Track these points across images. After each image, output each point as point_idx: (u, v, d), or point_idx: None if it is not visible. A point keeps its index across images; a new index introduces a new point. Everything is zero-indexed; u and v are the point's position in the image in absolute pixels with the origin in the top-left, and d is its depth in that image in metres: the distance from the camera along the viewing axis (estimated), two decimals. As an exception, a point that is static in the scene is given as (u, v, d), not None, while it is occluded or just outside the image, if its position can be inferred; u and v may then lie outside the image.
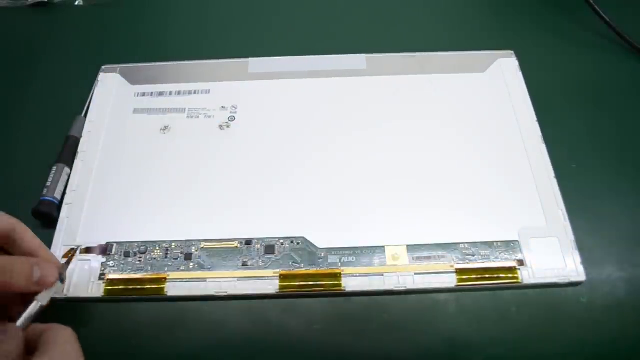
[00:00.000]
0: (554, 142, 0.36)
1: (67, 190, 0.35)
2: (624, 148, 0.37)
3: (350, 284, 0.31)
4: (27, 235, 0.28)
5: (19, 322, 0.26)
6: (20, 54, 0.44)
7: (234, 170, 0.36)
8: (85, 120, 0.38)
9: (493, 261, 0.31)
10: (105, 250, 0.32)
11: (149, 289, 0.31)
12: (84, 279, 0.31)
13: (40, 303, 0.27)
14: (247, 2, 0.47)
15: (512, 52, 0.41)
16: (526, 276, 0.31)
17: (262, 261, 0.32)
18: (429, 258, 0.32)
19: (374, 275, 0.31)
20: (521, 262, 0.31)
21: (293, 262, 0.32)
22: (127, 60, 0.41)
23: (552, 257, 0.31)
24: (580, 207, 0.33)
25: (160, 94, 0.40)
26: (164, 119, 0.38)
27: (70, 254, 0.32)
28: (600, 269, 0.32)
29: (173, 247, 0.33)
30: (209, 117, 0.38)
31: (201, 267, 0.32)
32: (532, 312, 0.31)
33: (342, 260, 0.32)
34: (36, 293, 0.27)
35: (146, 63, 0.41)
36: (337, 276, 0.31)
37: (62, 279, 0.29)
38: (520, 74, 0.39)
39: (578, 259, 0.31)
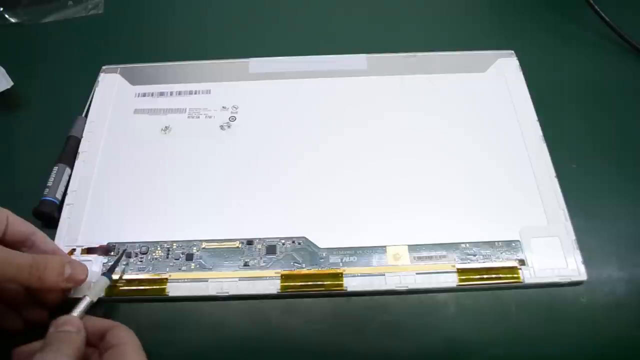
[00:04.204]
0: (554, 142, 0.36)
1: (68, 191, 0.35)
2: (624, 148, 0.37)
3: (351, 284, 0.31)
4: (45, 240, 0.30)
5: (74, 314, 0.27)
6: (20, 53, 0.44)
7: (235, 170, 0.36)
8: (86, 120, 0.38)
9: (494, 261, 0.31)
10: (107, 250, 0.32)
11: (150, 289, 0.31)
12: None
13: (90, 299, 0.28)
14: (248, 2, 0.47)
15: (512, 52, 0.41)
16: (527, 276, 0.31)
17: (264, 261, 0.32)
18: (430, 258, 0.32)
19: (375, 275, 0.31)
20: (522, 262, 0.31)
21: (294, 262, 0.32)
22: (128, 61, 0.41)
23: (553, 256, 0.31)
24: (581, 206, 0.33)
25: (161, 94, 0.40)
26: (164, 119, 0.38)
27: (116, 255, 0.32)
28: (601, 268, 0.32)
29: (174, 247, 0.33)
30: (210, 117, 0.38)
31: (202, 268, 0.32)
32: (533, 312, 0.31)
33: (343, 260, 0.32)
34: (64, 290, 0.29)
35: (147, 63, 0.41)
36: (338, 276, 0.31)
37: (110, 277, 0.30)
38: (520, 74, 0.39)
39: (579, 258, 0.31)
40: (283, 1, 0.47)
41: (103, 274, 0.31)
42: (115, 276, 0.31)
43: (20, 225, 0.29)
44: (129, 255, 0.32)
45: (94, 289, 0.29)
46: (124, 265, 0.32)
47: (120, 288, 0.31)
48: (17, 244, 0.29)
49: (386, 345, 0.30)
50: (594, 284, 0.31)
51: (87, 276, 0.30)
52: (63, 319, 0.26)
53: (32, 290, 0.29)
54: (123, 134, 0.38)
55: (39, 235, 0.30)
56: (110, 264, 0.31)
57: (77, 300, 0.28)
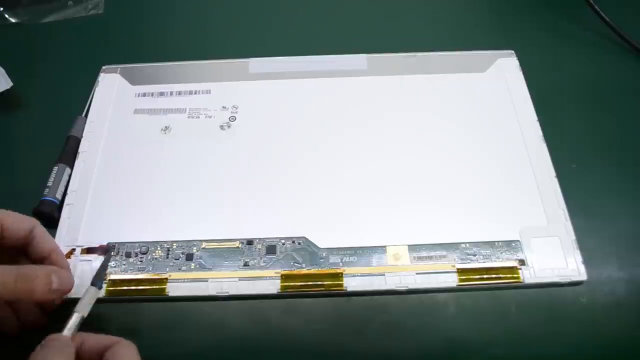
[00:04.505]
0: (554, 142, 0.36)
1: (68, 191, 0.35)
2: (624, 148, 0.37)
3: (351, 284, 0.31)
4: (44, 237, 0.29)
5: (63, 333, 0.26)
6: (20, 53, 0.44)
7: (235, 170, 0.36)
8: (86, 120, 0.38)
9: (494, 261, 0.31)
10: (107, 250, 0.32)
11: (150, 289, 0.31)
12: (86, 280, 0.31)
13: (81, 314, 0.27)
14: (248, 2, 0.47)
15: (512, 52, 0.41)
16: (527, 276, 0.31)
17: (264, 261, 0.32)
18: (430, 258, 0.32)
19: (375, 275, 0.31)
20: (522, 262, 0.31)
21: (294, 262, 0.32)
22: (128, 61, 0.41)
23: (553, 256, 0.31)
24: (581, 206, 0.33)
25: (161, 94, 0.40)
26: (164, 119, 0.38)
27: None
28: (601, 268, 0.32)
29: (174, 247, 0.33)
30: (210, 117, 0.38)
31: (202, 268, 0.32)
32: (533, 312, 0.31)
33: (343, 260, 0.32)
34: (52, 300, 0.28)
35: (147, 63, 0.41)
36: (338, 276, 0.31)
37: (100, 286, 0.29)
38: (520, 74, 0.39)
39: (579, 258, 0.31)
40: (283, 1, 0.47)
41: (92, 283, 0.29)
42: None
43: (18, 225, 0.28)
44: (129, 255, 0.32)
45: (83, 301, 0.28)
46: (124, 265, 0.32)
47: (120, 288, 0.31)
48: (17, 244, 0.28)
49: (386, 345, 0.30)
50: (594, 284, 0.31)
51: (72, 286, 0.29)
52: (50, 337, 0.25)
53: (19, 302, 0.29)
54: (123, 134, 0.38)
55: (38, 231, 0.29)
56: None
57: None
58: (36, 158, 0.37)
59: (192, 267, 0.32)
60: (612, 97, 0.40)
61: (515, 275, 0.31)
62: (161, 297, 0.31)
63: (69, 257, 0.32)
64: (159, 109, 0.39)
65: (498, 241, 0.32)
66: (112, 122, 0.38)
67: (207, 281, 0.31)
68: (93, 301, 0.28)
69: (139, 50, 0.43)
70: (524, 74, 0.39)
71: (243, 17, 0.46)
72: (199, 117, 0.38)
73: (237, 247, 0.32)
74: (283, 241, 0.33)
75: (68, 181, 0.35)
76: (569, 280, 0.31)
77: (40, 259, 0.29)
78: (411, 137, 0.37)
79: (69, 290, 0.29)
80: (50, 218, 0.34)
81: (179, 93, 0.40)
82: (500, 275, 0.31)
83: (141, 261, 0.32)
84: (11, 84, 0.40)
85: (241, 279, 0.31)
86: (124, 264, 0.32)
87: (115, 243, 0.33)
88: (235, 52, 0.42)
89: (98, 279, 0.29)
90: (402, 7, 0.46)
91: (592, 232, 0.33)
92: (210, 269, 0.32)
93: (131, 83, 0.40)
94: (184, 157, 0.36)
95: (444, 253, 0.32)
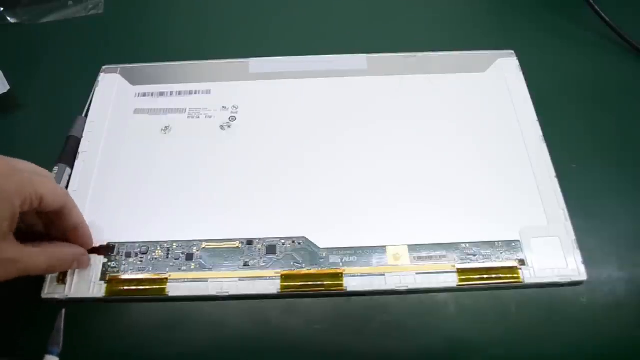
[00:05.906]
0: (554, 142, 0.36)
1: (68, 191, 0.35)
2: (624, 148, 0.37)
3: (351, 284, 0.31)
4: (73, 212, 0.30)
5: None
6: (20, 54, 0.44)
7: (235, 170, 0.36)
8: (86, 120, 0.38)
9: (494, 261, 0.31)
10: (107, 250, 0.32)
11: (150, 289, 0.31)
12: (86, 279, 0.31)
13: None
14: (248, 2, 0.47)
15: (512, 51, 0.41)
16: (527, 276, 0.31)
17: (264, 261, 0.32)
18: (430, 258, 0.32)
19: (375, 275, 0.31)
20: (522, 262, 0.31)
21: (294, 262, 0.32)
22: (128, 61, 0.41)
23: (553, 256, 0.31)
24: (581, 206, 0.33)
25: (161, 94, 0.40)
26: (164, 119, 0.38)
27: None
28: (601, 268, 0.32)
29: (174, 247, 0.32)
30: (210, 117, 0.38)
31: (202, 268, 0.32)
32: (533, 312, 0.31)
33: (343, 260, 0.32)
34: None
35: (147, 63, 0.41)
36: (338, 276, 0.31)
37: (57, 353, 0.28)
38: (520, 74, 0.39)
39: (579, 258, 0.31)
40: (283, 1, 0.47)
41: (48, 352, 0.28)
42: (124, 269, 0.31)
43: (53, 199, 0.28)
44: (129, 255, 0.32)
45: None
46: (124, 265, 0.32)
47: (120, 288, 0.31)
48: (50, 213, 0.29)
49: (386, 345, 0.30)
50: (594, 284, 0.31)
51: (88, 265, 0.32)
52: None
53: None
54: (123, 134, 0.38)
55: (69, 207, 0.29)
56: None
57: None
58: (36, 158, 0.37)
59: (192, 267, 0.32)
60: (612, 97, 0.40)
61: (515, 275, 0.31)
62: (161, 297, 0.31)
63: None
64: (159, 109, 0.39)
65: (498, 241, 0.32)
66: (112, 122, 0.38)
67: (207, 281, 0.31)
68: None
69: (139, 50, 0.43)
70: (524, 74, 0.39)
71: (243, 17, 0.46)
72: (199, 117, 0.38)
73: (237, 247, 0.32)
74: (283, 241, 0.33)
75: (68, 181, 0.35)
76: (569, 280, 0.31)
77: (68, 229, 0.30)
78: (411, 137, 0.37)
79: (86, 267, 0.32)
80: (50, 218, 0.34)
81: (179, 93, 0.40)
82: (500, 275, 0.31)
83: (141, 261, 0.32)
84: (8, 87, 0.40)
85: (241, 279, 0.31)
86: (124, 264, 0.32)
87: (115, 243, 0.33)
88: (235, 52, 0.42)
89: (55, 345, 0.28)
90: (402, 7, 0.46)
91: (592, 232, 0.33)
92: (210, 269, 0.32)
93: (131, 83, 0.40)
94: (184, 157, 0.36)
95: (444, 253, 0.32)
